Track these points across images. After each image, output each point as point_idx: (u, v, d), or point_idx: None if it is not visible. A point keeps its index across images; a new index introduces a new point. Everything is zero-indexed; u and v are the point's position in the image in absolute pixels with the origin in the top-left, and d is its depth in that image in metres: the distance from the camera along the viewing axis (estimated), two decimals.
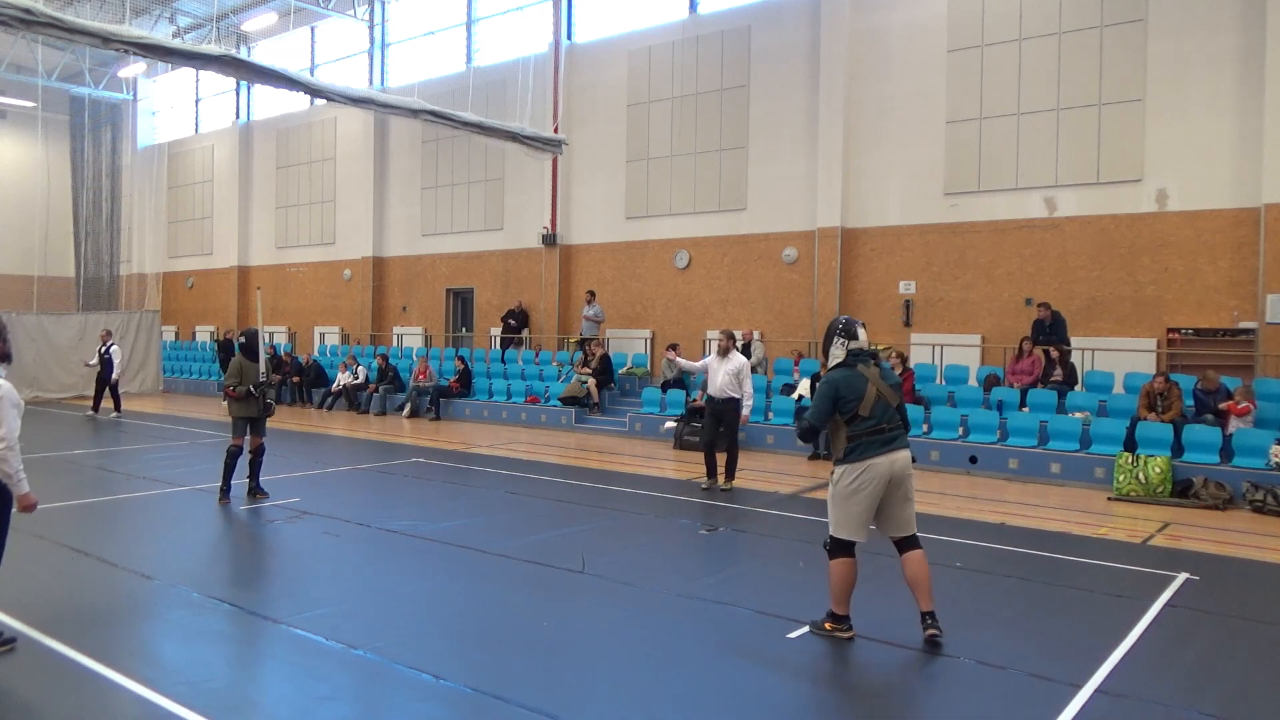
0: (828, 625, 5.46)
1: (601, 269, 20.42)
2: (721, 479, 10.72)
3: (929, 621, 5.32)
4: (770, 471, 12.17)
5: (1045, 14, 14.82)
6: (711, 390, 10.67)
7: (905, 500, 5.45)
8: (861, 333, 5.56)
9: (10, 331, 5.34)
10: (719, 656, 5.23)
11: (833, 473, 5.49)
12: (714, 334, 17.98)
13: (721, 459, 10.77)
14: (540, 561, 7.23)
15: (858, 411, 5.30)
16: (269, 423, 9.66)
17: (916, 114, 16.10)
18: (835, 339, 5.51)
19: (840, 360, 5.49)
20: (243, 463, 9.41)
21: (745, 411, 10.58)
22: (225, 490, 9.43)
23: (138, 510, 9.44)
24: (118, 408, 18.41)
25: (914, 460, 5.72)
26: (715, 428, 10.68)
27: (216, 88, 30.18)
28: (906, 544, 5.46)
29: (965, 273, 15.67)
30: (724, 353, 10.65)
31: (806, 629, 5.60)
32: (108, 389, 18.44)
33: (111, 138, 32.24)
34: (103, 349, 18.63)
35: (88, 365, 19.25)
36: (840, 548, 5.43)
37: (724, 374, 10.55)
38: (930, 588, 5.39)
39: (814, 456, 13.59)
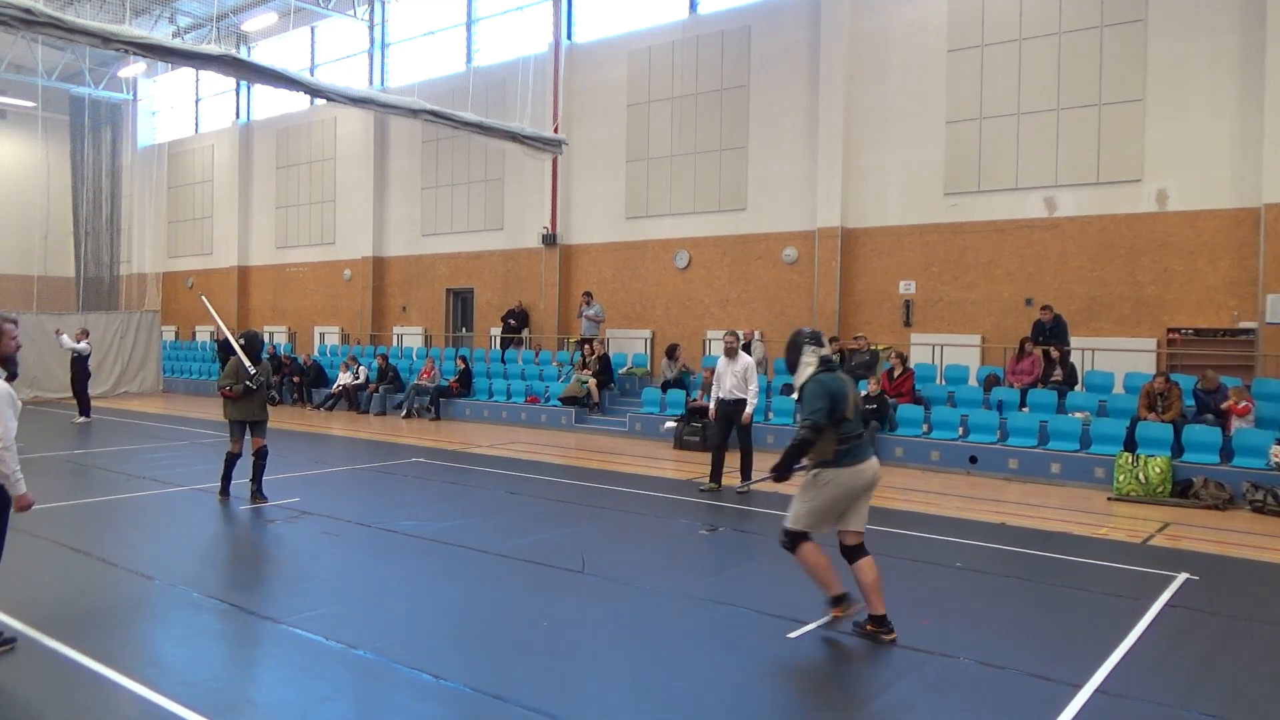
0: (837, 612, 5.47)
1: (601, 269, 20.42)
2: (738, 481, 10.55)
3: (889, 625, 5.38)
4: None
5: (1045, 14, 14.81)
6: (721, 393, 10.58)
7: (869, 500, 5.55)
8: (826, 341, 5.75)
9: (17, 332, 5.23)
10: (719, 657, 5.23)
11: (816, 474, 5.39)
12: (715, 334, 18.06)
13: (733, 461, 10.63)
14: (540, 561, 7.23)
15: (845, 415, 5.34)
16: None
17: (916, 114, 16.09)
18: (805, 347, 5.55)
19: (816, 366, 5.49)
20: (245, 465, 9.40)
21: (748, 410, 10.43)
22: (225, 490, 9.53)
23: (138, 510, 9.43)
24: (85, 412, 17.62)
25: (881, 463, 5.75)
26: (727, 430, 10.60)
27: (216, 88, 30.17)
28: (861, 550, 5.44)
29: (965, 273, 15.67)
30: (730, 353, 10.56)
31: (815, 627, 5.58)
32: (83, 389, 17.75)
33: (111, 138, 32.24)
34: (80, 344, 18.03)
35: (58, 341, 18.44)
36: (797, 539, 5.49)
37: (731, 375, 10.49)
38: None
39: None
